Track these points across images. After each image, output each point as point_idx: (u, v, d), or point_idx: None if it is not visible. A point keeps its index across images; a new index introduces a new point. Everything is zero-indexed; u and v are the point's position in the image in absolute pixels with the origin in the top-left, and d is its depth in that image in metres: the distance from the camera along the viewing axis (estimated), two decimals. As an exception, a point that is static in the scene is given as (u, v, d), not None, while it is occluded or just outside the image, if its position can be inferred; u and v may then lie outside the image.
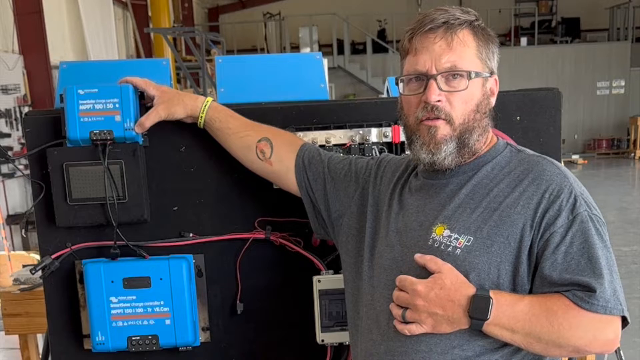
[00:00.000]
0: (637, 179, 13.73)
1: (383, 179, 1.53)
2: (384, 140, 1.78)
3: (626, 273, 6.14)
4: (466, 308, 1.23)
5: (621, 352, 1.93)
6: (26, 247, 6.38)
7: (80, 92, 1.61)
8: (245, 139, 1.65)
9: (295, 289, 1.79)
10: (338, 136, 1.77)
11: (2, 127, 6.91)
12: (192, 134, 1.72)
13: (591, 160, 15.17)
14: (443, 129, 1.33)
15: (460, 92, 1.32)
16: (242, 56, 4.54)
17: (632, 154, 15.20)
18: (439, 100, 1.32)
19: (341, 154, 1.71)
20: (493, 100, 1.40)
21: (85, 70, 2.07)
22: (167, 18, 11.90)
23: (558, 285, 1.23)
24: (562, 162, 1.54)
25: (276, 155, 1.63)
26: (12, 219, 6.70)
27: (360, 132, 1.77)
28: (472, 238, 1.29)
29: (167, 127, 1.70)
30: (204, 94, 5.91)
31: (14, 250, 5.34)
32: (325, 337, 1.73)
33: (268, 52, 15.81)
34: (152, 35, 11.77)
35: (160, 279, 1.67)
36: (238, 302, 1.79)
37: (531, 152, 1.41)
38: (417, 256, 1.30)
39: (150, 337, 1.68)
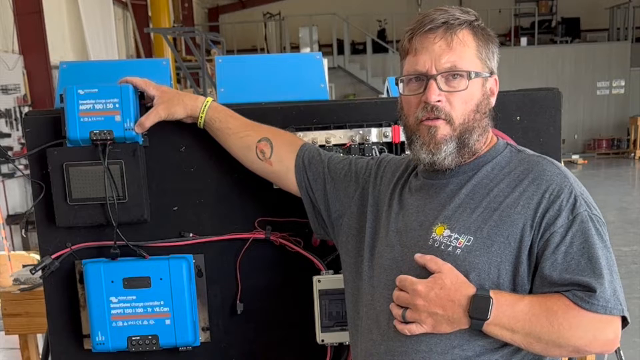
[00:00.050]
0: (637, 179, 13.73)
1: (383, 179, 1.53)
2: (384, 140, 1.78)
3: (626, 273, 6.14)
4: (466, 308, 1.23)
5: (621, 352, 1.93)
6: (26, 247, 6.38)
7: (80, 92, 1.61)
8: (245, 139, 1.65)
9: (295, 289, 1.79)
10: (338, 136, 1.77)
11: (2, 127, 6.91)
12: (192, 134, 1.72)
13: (591, 160, 15.17)
14: (443, 129, 1.33)
15: (460, 92, 1.32)
16: (242, 56, 4.54)
17: (632, 154, 15.20)
18: (439, 101, 1.32)
19: (341, 154, 1.71)
20: (493, 100, 1.40)
21: (85, 70, 2.07)
22: (167, 18, 11.90)
23: (558, 285, 1.23)
24: (562, 162, 1.54)
25: (276, 155, 1.63)
26: (12, 219, 6.70)
27: (360, 132, 1.77)
28: (472, 238, 1.29)
29: (167, 127, 1.70)
30: (204, 94, 5.91)
31: (14, 250, 5.34)
32: (325, 337, 1.73)
33: (268, 52, 15.81)
34: (152, 35, 11.77)
35: (160, 279, 1.67)
36: (238, 302, 1.79)
37: (531, 152, 1.41)
38: (417, 256, 1.30)
39: (150, 337, 1.68)
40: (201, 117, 1.66)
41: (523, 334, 1.22)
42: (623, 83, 16.07)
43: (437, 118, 1.33)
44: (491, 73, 1.38)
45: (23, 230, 6.60)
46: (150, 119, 1.64)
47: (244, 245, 1.77)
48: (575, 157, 14.88)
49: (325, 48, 14.83)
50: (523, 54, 15.65)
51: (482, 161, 1.38)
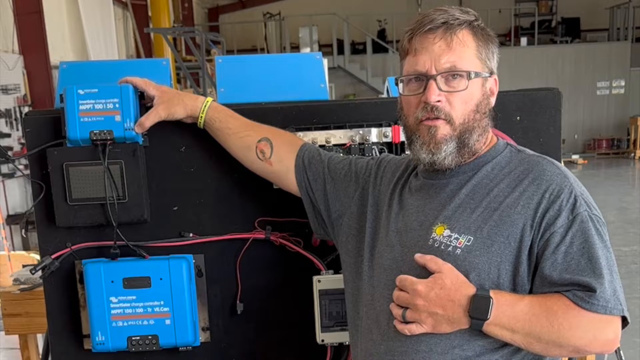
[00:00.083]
0: (637, 179, 13.73)
1: (383, 179, 1.53)
2: (384, 140, 1.78)
3: (626, 273, 6.14)
4: (466, 308, 1.23)
5: (621, 352, 1.93)
6: (26, 247, 6.38)
7: (80, 92, 1.61)
8: (245, 139, 1.65)
9: (295, 289, 1.79)
10: (338, 136, 1.77)
11: (2, 127, 6.91)
12: (192, 134, 1.72)
13: (591, 160, 15.17)
14: (443, 129, 1.33)
15: (460, 92, 1.32)
16: (242, 56, 4.54)
17: (632, 154, 15.20)
18: (438, 101, 1.32)
19: (341, 154, 1.71)
20: (493, 100, 1.40)
21: (85, 70, 2.07)
22: (167, 18, 11.90)
23: (558, 285, 1.23)
24: (562, 162, 1.54)
25: (276, 156, 1.63)
26: (12, 219, 6.70)
27: (360, 132, 1.77)
28: (472, 238, 1.29)
29: (167, 127, 1.70)
30: (204, 94, 5.91)
31: (14, 250, 5.34)
32: (325, 337, 1.73)
33: (268, 52, 15.81)
34: (152, 35, 11.77)
35: (160, 279, 1.67)
36: (238, 302, 1.79)
37: (531, 152, 1.41)
38: (417, 256, 1.30)
39: (150, 337, 1.68)
40: (201, 117, 1.66)
41: (523, 334, 1.22)
42: (623, 83, 16.06)
43: (437, 118, 1.33)
44: (491, 73, 1.38)
45: (23, 230, 6.60)
46: (150, 119, 1.64)
47: (244, 245, 1.77)
48: (575, 157, 14.88)
49: (325, 48, 14.83)
50: (523, 54, 15.65)
51: (482, 161, 1.38)
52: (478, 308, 1.22)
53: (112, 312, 1.67)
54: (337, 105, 1.87)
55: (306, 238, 1.77)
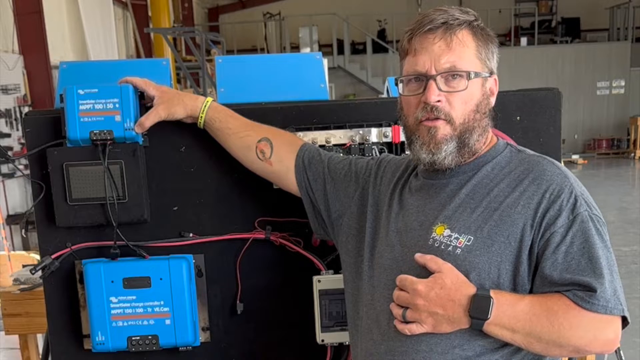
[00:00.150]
0: (637, 179, 13.73)
1: (383, 179, 1.53)
2: (384, 140, 1.78)
3: (626, 273, 6.14)
4: (467, 308, 1.23)
5: (621, 352, 1.93)
6: (26, 247, 6.38)
7: (80, 92, 1.61)
8: (245, 139, 1.65)
9: (295, 289, 1.79)
10: (338, 136, 1.77)
11: (2, 127, 6.91)
12: (192, 134, 1.72)
13: (591, 160, 15.17)
14: (443, 129, 1.33)
15: (459, 92, 1.32)
16: (242, 56, 4.54)
17: (632, 154, 15.20)
18: (438, 101, 1.32)
19: (341, 154, 1.71)
20: (493, 100, 1.40)
21: (85, 70, 2.07)
22: (167, 18, 11.90)
23: (558, 285, 1.23)
24: (562, 162, 1.54)
25: (276, 156, 1.63)
26: (12, 219, 6.70)
27: (360, 132, 1.77)
28: (472, 238, 1.29)
29: (167, 127, 1.70)
30: (204, 94, 5.91)
31: (14, 250, 5.34)
32: (325, 337, 1.73)
33: (268, 52, 15.81)
34: (152, 35, 11.77)
35: (160, 279, 1.67)
36: (238, 302, 1.79)
37: (531, 152, 1.41)
38: (418, 256, 1.30)
39: (150, 337, 1.68)
40: (201, 117, 1.66)
41: (523, 333, 1.22)
42: (623, 83, 16.06)
43: (437, 118, 1.33)
44: (491, 73, 1.38)
45: (23, 230, 6.61)
46: (150, 119, 1.64)
47: (244, 245, 1.77)
48: (575, 157, 14.88)
49: (325, 48, 14.83)
50: (523, 54, 15.65)
51: (482, 161, 1.38)
52: (478, 308, 1.22)
53: (112, 312, 1.67)
54: (337, 105, 1.87)
55: (306, 238, 1.77)
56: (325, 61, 2.29)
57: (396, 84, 1.41)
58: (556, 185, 1.29)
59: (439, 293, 1.24)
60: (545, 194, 1.28)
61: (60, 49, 8.27)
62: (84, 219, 1.68)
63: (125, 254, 1.70)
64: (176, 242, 1.75)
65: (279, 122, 1.73)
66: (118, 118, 1.61)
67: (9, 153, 6.45)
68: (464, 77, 1.32)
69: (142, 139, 1.69)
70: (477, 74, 1.34)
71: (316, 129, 1.77)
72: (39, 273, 1.71)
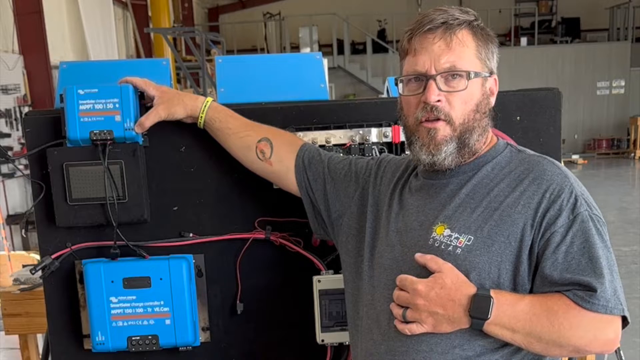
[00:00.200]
0: (637, 179, 13.73)
1: (383, 179, 1.53)
2: (384, 140, 1.78)
3: (626, 273, 6.14)
4: (467, 307, 1.23)
5: (621, 352, 1.93)
6: (26, 247, 6.38)
7: (80, 92, 1.61)
8: (245, 139, 1.65)
9: (295, 289, 1.79)
10: (338, 136, 1.77)
11: (2, 127, 6.91)
12: (192, 134, 1.72)
13: (591, 160, 15.17)
14: (443, 130, 1.33)
15: (459, 92, 1.32)
16: (242, 56, 4.54)
17: (632, 154, 15.19)
18: (438, 101, 1.32)
19: (341, 154, 1.71)
20: (493, 100, 1.40)
21: (85, 70, 2.07)
22: (167, 18, 11.90)
23: (559, 284, 1.23)
24: (562, 162, 1.54)
25: (276, 156, 1.63)
26: (12, 219, 6.71)
27: (360, 132, 1.77)
28: (472, 237, 1.29)
29: (167, 127, 1.70)
30: (204, 94, 5.91)
31: (14, 250, 5.34)
32: (325, 337, 1.73)
33: (268, 52, 15.81)
34: (152, 35, 11.77)
35: (160, 279, 1.67)
36: (238, 302, 1.79)
37: (531, 152, 1.41)
38: (418, 255, 1.30)
39: (150, 337, 1.68)
40: (201, 117, 1.66)
41: (523, 333, 1.22)
42: (623, 83, 16.06)
43: (437, 119, 1.33)
44: (491, 73, 1.38)
45: (23, 230, 6.61)
46: (150, 119, 1.64)
47: (244, 245, 1.77)
48: (575, 157, 14.88)
49: (325, 48, 14.83)
50: (523, 54, 15.65)
51: (482, 161, 1.38)
52: (478, 307, 1.22)
53: (112, 312, 1.67)
54: (337, 105, 1.87)
55: (306, 238, 1.77)
56: (325, 61, 2.29)
57: (396, 84, 1.41)
58: (556, 185, 1.29)
59: (439, 293, 1.25)
60: (546, 193, 1.28)
61: (60, 49, 8.27)
62: (84, 219, 1.68)
63: (125, 254, 1.70)
64: (176, 242, 1.75)
65: (279, 122, 1.73)
66: (118, 118, 1.62)
67: (9, 153, 6.45)
68: (464, 77, 1.32)
69: (142, 139, 1.69)
70: (477, 74, 1.33)
71: (316, 129, 1.77)
72: (39, 273, 1.71)
